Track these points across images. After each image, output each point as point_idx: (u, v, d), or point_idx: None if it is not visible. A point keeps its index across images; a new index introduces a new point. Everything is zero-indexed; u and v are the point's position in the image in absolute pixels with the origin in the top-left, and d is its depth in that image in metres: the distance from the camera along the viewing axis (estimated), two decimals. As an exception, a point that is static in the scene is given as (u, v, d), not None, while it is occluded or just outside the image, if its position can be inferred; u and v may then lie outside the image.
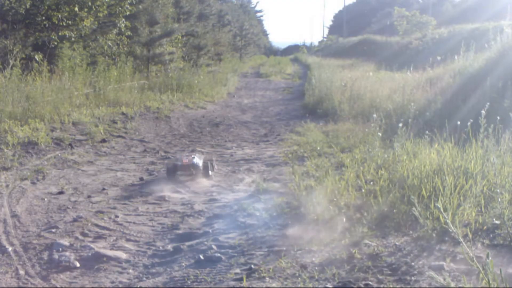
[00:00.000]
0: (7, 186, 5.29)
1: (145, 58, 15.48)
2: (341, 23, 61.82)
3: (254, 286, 2.99)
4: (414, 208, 3.28)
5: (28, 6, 10.52)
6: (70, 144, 7.46)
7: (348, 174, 4.79)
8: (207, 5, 27.68)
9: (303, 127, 9.42)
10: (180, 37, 18.47)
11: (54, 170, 6.16)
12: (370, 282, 2.83)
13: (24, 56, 10.13)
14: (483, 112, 4.28)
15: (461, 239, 2.49)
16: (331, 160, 6.24)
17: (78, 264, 3.51)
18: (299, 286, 2.93)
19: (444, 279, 2.39)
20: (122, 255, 3.69)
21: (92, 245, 3.80)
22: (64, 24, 11.74)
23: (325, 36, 70.03)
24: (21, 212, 4.54)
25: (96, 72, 11.55)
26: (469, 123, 4.77)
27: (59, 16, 11.55)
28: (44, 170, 6.00)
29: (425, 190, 3.93)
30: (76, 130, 8.42)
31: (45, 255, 3.64)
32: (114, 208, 4.82)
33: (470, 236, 3.23)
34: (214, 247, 3.73)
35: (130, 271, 3.47)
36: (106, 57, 13.55)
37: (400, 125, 5.55)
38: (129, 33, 14.42)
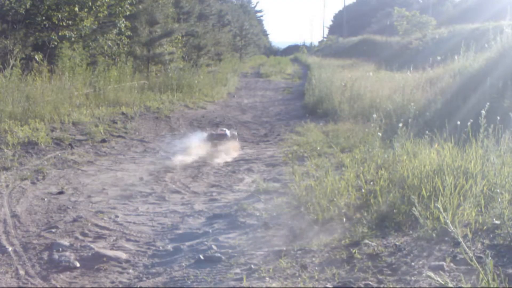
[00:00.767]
0: (7, 186, 5.29)
1: (145, 58, 15.48)
2: (341, 23, 61.84)
3: (254, 286, 2.99)
4: (414, 208, 3.27)
5: (28, 6, 10.51)
6: (70, 144, 7.46)
7: (348, 174, 4.79)
8: (207, 5, 27.66)
9: (303, 127, 9.42)
10: (180, 37, 18.47)
11: (54, 170, 6.16)
12: (370, 282, 2.83)
13: (24, 56, 10.13)
14: (483, 112, 4.27)
15: (461, 239, 2.49)
16: (331, 160, 6.24)
17: (78, 264, 3.51)
18: (299, 286, 2.93)
19: (444, 279, 2.39)
20: (122, 255, 3.69)
21: (92, 245, 3.80)
22: (64, 24, 11.74)
23: (325, 36, 70.06)
24: (21, 212, 4.54)
25: (96, 72, 11.55)
26: (469, 123, 4.77)
27: (59, 16, 11.54)
28: (44, 170, 6.00)
29: (425, 190, 3.93)
30: (76, 130, 8.42)
31: (45, 255, 3.64)
32: (114, 208, 4.82)
33: (470, 236, 3.22)
34: (214, 247, 3.73)
35: (130, 271, 3.47)
36: (106, 57, 13.55)
37: (400, 125, 5.55)
38: (129, 33, 14.41)
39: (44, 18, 11.39)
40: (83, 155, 7.08)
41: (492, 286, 2.34)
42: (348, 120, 9.32)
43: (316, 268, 3.14)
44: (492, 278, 2.33)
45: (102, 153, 7.37)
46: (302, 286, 2.92)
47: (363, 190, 4.37)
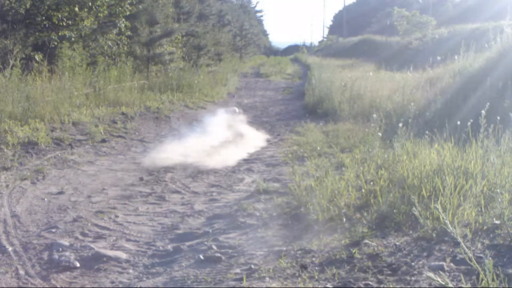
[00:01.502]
0: (7, 186, 5.29)
1: (145, 58, 15.48)
2: (341, 23, 61.84)
3: (254, 286, 2.99)
4: (414, 208, 3.27)
5: (28, 6, 10.51)
6: (70, 144, 7.46)
7: (348, 174, 4.79)
8: (207, 5, 27.66)
9: (303, 127, 9.42)
10: (180, 37, 18.47)
11: (54, 170, 6.16)
12: (370, 282, 2.83)
13: (24, 56, 10.12)
14: (483, 112, 4.27)
15: (461, 239, 2.49)
16: (331, 160, 6.24)
17: (78, 264, 3.51)
18: (299, 286, 2.93)
19: (444, 279, 2.39)
20: (122, 255, 3.69)
21: (92, 245, 3.80)
22: (64, 24, 11.74)
23: (325, 36, 70.08)
24: (21, 212, 4.54)
25: (96, 72, 11.55)
26: (469, 123, 4.77)
27: (59, 16, 11.54)
28: (44, 170, 6.00)
29: (425, 190, 3.93)
30: (76, 130, 8.41)
31: (45, 255, 3.64)
32: (114, 208, 4.82)
33: (470, 236, 3.22)
34: (214, 247, 3.73)
35: (130, 271, 3.47)
36: (106, 57, 13.54)
37: (400, 125, 5.55)
38: (129, 33, 14.41)
39: (44, 18, 11.40)
40: (83, 155, 7.08)
41: (492, 286, 2.34)
42: (348, 120, 9.32)
43: (316, 268, 3.14)
44: (492, 278, 2.33)
45: (102, 153, 7.37)
46: (302, 286, 2.92)
47: (363, 190, 4.37)
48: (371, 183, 4.58)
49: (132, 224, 4.39)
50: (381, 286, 2.79)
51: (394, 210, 3.80)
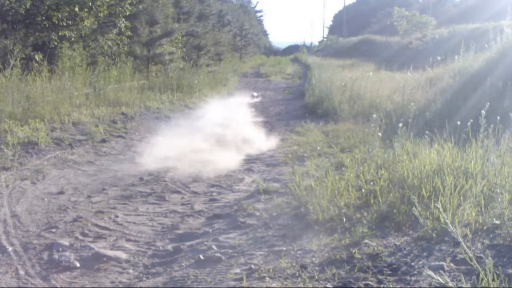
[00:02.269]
0: (7, 186, 5.29)
1: (145, 58, 15.48)
2: (341, 23, 61.85)
3: (254, 286, 2.99)
4: (414, 208, 3.27)
5: (28, 6, 10.51)
6: (70, 144, 7.46)
7: (348, 174, 4.79)
8: (207, 5, 27.67)
9: (303, 127, 9.42)
10: (180, 37, 18.47)
11: (54, 170, 6.16)
12: (370, 282, 2.83)
13: (24, 56, 10.13)
14: (483, 112, 4.27)
15: (461, 239, 2.49)
16: (331, 160, 6.24)
17: (78, 264, 3.51)
18: (299, 286, 2.93)
19: (444, 279, 2.39)
20: (122, 255, 3.69)
21: (92, 245, 3.80)
22: (64, 24, 11.74)
23: (325, 36, 70.05)
24: (21, 212, 4.54)
25: (96, 72, 11.56)
26: (469, 123, 4.76)
27: (59, 16, 11.54)
28: (44, 170, 6.00)
29: (425, 190, 3.93)
30: (76, 130, 8.42)
31: (45, 255, 3.64)
32: (114, 208, 4.82)
33: (470, 236, 3.22)
34: (214, 247, 3.73)
35: (130, 271, 3.47)
36: (106, 57, 13.55)
37: (400, 125, 5.55)
38: (129, 33, 14.42)
39: (44, 18, 11.40)
40: (83, 155, 7.08)
41: (492, 286, 2.34)
42: (348, 120, 9.32)
43: (316, 268, 3.14)
44: (492, 278, 2.33)
45: (102, 153, 7.36)
46: (302, 286, 2.92)
47: (363, 190, 4.37)
48: (371, 183, 4.58)
49: (132, 224, 4.39)
50: (381, 286, 2.79)
51: (394, 210, 3.80)
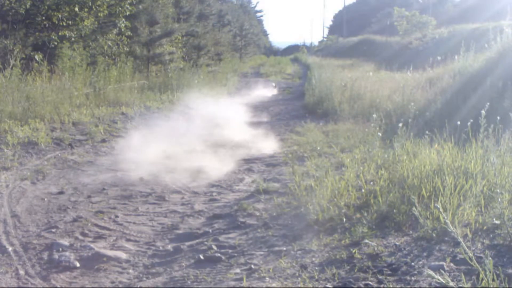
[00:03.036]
0: (7, 186, 5.29)
1: (145, 58, 15.49)
2: (341, 23, 61.88)
3: (254, 286, 2.99)
4: (414, 208, 3.27)
5: (28, 6, 10.52)
6: (70, 144, 7.46)
7: (348, 174, 4.79)
8: (207, 5, 27.68)
9: (303, 127, 9.41)
10: (180, 37, 18.48)
11: (54, 170, 6.16)
12: (370, 282, 2.83)
13: (24, 56, 10.13)
14: (483, 112, 4.27)
15: (461, 239, 2.49)
16: (331, 160, 6.23)
17: (78, 264, 3.51)
18: (299, 286, 2.93)
19: (445, 279, 2.39)
20: (122, 255, 3.69)
21: (92, 245, 3.80)
22: (64, 24, 11.75)
23: (325, 36, 70.07)
24: (21, 212, 4.54)
25: (96, 72, 11.56)
26: (469, 123, 4.76)
27: (59, 16, 11.55)
28: (44, 170, 6.00)
29: (425, 190, 3.93)
30: (76, 130, 8.42)
31: (45, 255, 3.64)
32: (114, 208, 4.82)
33: (470, 236, 3.22)
34: (214, 247, 3.73)
35: (130, 271, 3.47)
36: (106, 57, 13.56)
37: (400, 125, 5.55)
38: (129, 33, 14.43)
39: (44, 18, 11.41)
40: (83, 155, 7.08)
41: (492, 286, 2.34)
42: (348, 120, 9.32)
43: (316, 268, 3.14)
44: (492, 278, 2.33)
45: (102, 153, 7.36)
46: (302, 286, 2.92)
47: (363, 190, 4.37)
48: (371, 183, 4.58)
49: (132, 224, 4.39)
50: (381, 286, 2.79)
51: (394, 210, 3.80)
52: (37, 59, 10.37)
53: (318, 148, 7.15)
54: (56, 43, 11.14)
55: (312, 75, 16.68)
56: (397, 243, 3.33)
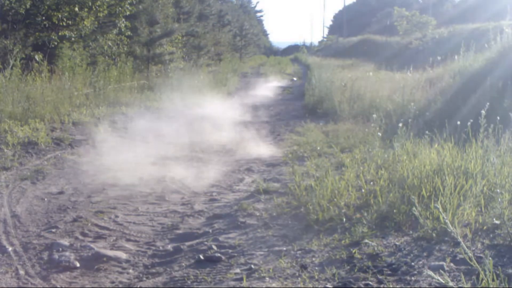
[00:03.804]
0: (7, 186, 5.29)
1: (145, 58, 15.49)
2: (341, 23, 61.84)
3: (254, 286, 2.99)
4: (414, 208, 3.27)
5: (28, 6, 10.52)
6: (70, 144, 7.46)
7: (348, 174, 4.79)
8: (207, 5, 27.69)
9: (303, 127, 9.41)
10: (180, 37, 18.49)
11: (54, 170, 6.16)
12: (370, 282, 2.83)
13: (24, 56, 10.14)
14: (483, 112, 4.27)
15: (461, 239, 2.49)
16: (331, 160, 6.23)
17: (78, 264, 3.51)
18: (299, 286, 2.93)
19: (444, 279, 2.39)
20: (122, 255, 3.69)
21: (92, 245, 3.80)
22: (64, 24, 11.75)
23: (325, 36, 70.10)
24: (21, 212, 4.54)
25: (96, 72, 11.57)
26: (469, 123, 4.76)
27: (59, 16, 11.55)
28: (44, 170, 6.00)
29: (425, 190, 3.93)
30: (76, 130, 8.42)
31: (45, 255, 3.64)
32: (114, 208, 4.82)
33: (470, 236, 3.22)
34: (214, 247, 3.73)
35: (130, 271, 3.47)
36: (106, 57, 13.56)
37: (400, 125, 5.55)
38: (129, 33, 14.43)
39: (44, 18, 11.41)
40: (83, 155, 7.08)
41: (492, 286, 2.34)
42: (348, 120, 9.32)
43: (316, 268, 3.14)
44: (492, 278, 2.34)
45: (102, 153, 7.36)
46: (302, 286, 2.92)
47: (363, 190, 4.37)
48: (371, 183, 4.58)
49: (132, 224, 4.39)
50: (381, 286, 2.79)
51: (394, 210, 3.80)
52: (37, 59, 10.37)
53: (318, 148, 7.15)
54: (56, 43, 11.14)
55: (312, 75, 16.68)
56: (397, 243, 3.33)
